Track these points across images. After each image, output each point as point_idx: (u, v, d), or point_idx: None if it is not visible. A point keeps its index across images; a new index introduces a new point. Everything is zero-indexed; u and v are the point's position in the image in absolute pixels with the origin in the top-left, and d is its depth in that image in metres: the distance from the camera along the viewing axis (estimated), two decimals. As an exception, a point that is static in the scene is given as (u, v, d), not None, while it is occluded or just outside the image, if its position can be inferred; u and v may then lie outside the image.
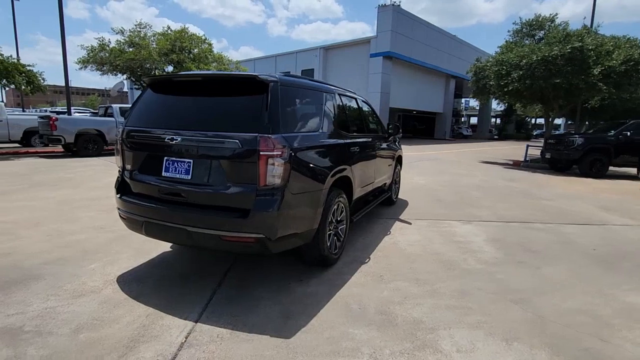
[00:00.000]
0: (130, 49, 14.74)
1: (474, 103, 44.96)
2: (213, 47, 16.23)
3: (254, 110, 2.49)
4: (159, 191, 2.67)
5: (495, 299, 2.79)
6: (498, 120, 50.91)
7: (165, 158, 2.67)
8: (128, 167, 2.89)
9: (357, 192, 3.91)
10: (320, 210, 2.92)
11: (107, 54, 14.72)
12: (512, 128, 44.84)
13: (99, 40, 14.95)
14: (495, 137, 43.49)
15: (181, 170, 2.62)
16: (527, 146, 13.97)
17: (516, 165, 13.25)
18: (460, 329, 2.37)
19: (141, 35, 15.39)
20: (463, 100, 48.70)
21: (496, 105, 34.36)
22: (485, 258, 3.68)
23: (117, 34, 15.17)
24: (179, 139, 2.55)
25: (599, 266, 3.55)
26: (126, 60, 14.23)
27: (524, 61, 11.35)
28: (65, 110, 15.10)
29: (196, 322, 2.35)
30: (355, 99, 4.32)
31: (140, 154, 2.80)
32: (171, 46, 14.59)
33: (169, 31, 15.34)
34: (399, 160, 6.03)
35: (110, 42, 15.01)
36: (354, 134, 3.87)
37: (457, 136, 39.89)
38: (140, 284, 2.86)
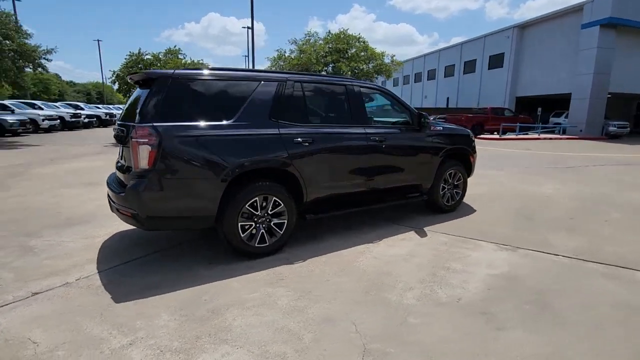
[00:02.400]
0: (301, 56, 17.33)
1: None
2: (368, 44, 16.80)
3: (143, 102, 2.89)
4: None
5: None
6: None
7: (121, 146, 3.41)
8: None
9: (321, 190, 3.61)
10: (217, 198, 3.00)
11: (282, 62, 17.86)
12: None
13: (279, 52, 18.35)
14: None
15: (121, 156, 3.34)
16: None
17: None
18: None
19: (310, 42, 17.73)
20: None
21: None
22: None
23: (291, 44, 18.16)
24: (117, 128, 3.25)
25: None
26: (292, 66, 16.84)
27: None
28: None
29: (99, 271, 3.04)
30: (344, 85, 3.88)
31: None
32: (328, 49, 16.11)
33: (329, 35, 17.00)
34: (458, 160, 4.85)
35: (284, 51, 18.17)
36: (313, 124, 3.58)
37: None
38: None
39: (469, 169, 5.09)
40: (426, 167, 4.47)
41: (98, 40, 73.49)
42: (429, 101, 39.49)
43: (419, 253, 3.49)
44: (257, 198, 3.22)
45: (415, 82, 43.44)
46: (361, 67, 16.92)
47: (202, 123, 2.97)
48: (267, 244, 3.35)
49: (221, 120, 3.07)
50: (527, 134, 20.23)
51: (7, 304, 2.51)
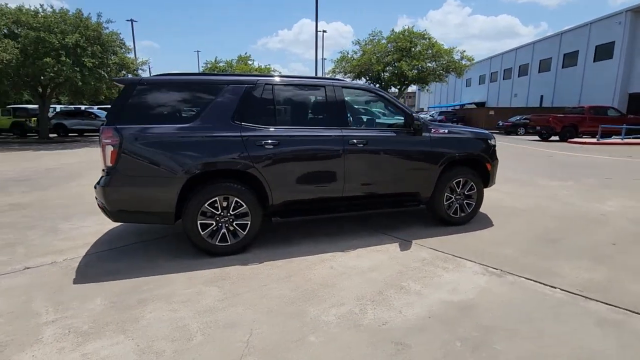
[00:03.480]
0: (360, 57, 17.13)
1: None
2: (434, 41, 15.73)
3: (112, 105, 3.22)
4: None
5: None
6: None
7: None
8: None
9: (289, 194, 3.56)
10: (174, 197, 3.18)
11: (345, 64, 17.87)
12: None
13: (342, 53, 18.38)
14: None
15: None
16: None
17: None
18: None
19: (374, 41, 17.39)
20: None
21: None
22: None
23: (355, 44, 18.02)
24: None
25: None
26: (353, 67, 16.73)
27: None
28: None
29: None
30: (323, 86, 3.73)
31: None
32: (389, 49, 15.55)
33: (392, 34, 16.39)
34: (470, 168, 4.29)
35: (347, 53, 18.11)
36: (282, 126, 3.54)
37: None
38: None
39: (485, 178, 4.46)
40: (422, 174, 4.05)
41: (198, 52, 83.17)
42: (519, 100, 35.34)
43: (383, 267, 3.19)
44: (217, 198, 3.32)
45: (503, 79, 39.31)
46: (426, 66, 15.98)
47: (163, 126, 3.18)
48: (229, 243, 3.42)
49: (182, 123, 3.25)
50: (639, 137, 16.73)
51: (1, 274, 3.06)
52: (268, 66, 17.81)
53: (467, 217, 4.39)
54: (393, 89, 19.23)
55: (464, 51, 17.06)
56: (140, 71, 18.58)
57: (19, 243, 3.80)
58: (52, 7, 15.60)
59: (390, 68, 15.99)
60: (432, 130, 4.09)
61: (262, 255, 3.47)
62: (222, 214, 3.37)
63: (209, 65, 17.41)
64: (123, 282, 2.91)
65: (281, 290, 2.79)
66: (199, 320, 2.37)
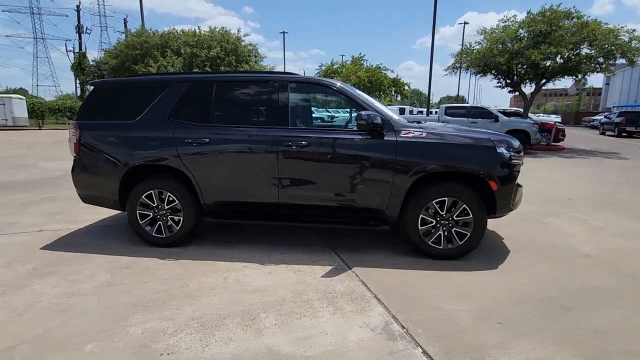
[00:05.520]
0: (479, 48, 14.60)
1: None
2: (587, 21, 11.84)
3: (82, 104, 3.76)
4: None
5: None
6: None
7: None
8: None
9: (219, 194, 3.45)
10: (116, 187, 3.51)
11: (465, 56, 15.60)
12: None
13: (465, 46, 16.03)
14: None
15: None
16: None
17: None
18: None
19: (504, 28, 14.57)
20: None
21: None
22: None
23: (480, 34, 15.47)
24: None
25: None
26: (471, 61, 14.41)
27: None
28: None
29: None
30: (268, 82, 3.39)
31: None
32: (518, 35, 12.62)
33: (529, 16, 13.23)
34: (464, 185, 3.18)
35: (470, 44, 15.66)
36: (215, 125, 3.42)
37: None
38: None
39: (491, 202, 3.20)
40: (382, 187, 3.22)
41: (342, 56, 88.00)
42: None
43: (276, 290, 2.72)
44: (152, 192, 3.50)
45: None
46: (567, 52, 12.42)
47: (111, 122, 3.55)
48: (164, 235, 3.56)
49: (128, 120, 3.54)
50: None
51: (16, 232, 4.03)
52: (380, 65, 17.24)
53: (456, 251, 3.26)
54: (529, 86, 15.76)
55: (634, 30, 12.32)
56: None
57: (61, 212, 4.90)
58: (215, 27, 19.17)
59: (522, 59, 12.97)
60: (402, 133, 3.20)
61: (189, 252, 3.47)
62: (158, 207, 3.53)
63: (323, 68, 18.26)
64: (58, 254, 3.39)
65: (150, 290, 2.73)
66: (52, 301, 2.56)
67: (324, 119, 3.77)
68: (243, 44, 19.21)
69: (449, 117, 13.09)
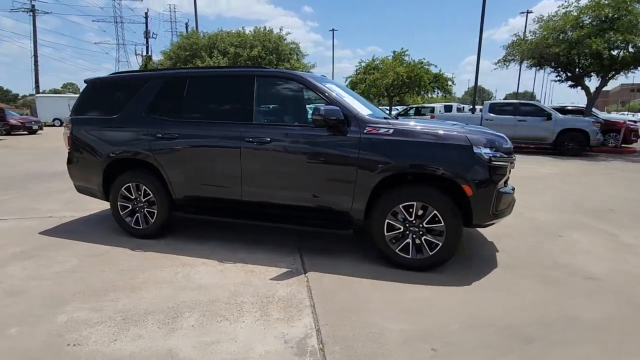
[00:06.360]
0: (532, 39, 13.09)
1: None
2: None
3: (76, 100, 4.00)
4: None
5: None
6: None
7: None
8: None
9: (187, 189, 3.48)
10: (99, 179, 3.69)
11: (516, 48, 14.15)
12: None
13: (517, 36, 14.54)
14: None
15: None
16: None
17: None
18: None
19: (563, 15, 12.95)
20: None
21: None
22: None
23: (536, 22, 13.89)
24: None
25: None
26: (522, 52, 12.98)
27: None
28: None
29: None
30: (237, 77, 3.32)
31: None
32: (580, 22, 11.04)
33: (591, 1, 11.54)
34: (436, 189, 2.84)
35: (524, 34, 14.12)
36: (185, 120, 3.45)
37: None
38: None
39: (467, 209, 2.81)
40: (344, 187, 2.98)
41: (394, 51, 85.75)
42: None
43: (216, 290, 2.65)
44: (130, 184, 3.63)
45: None
46: (633, 39, 10.66)
47: (97, 117, 3.74)
48: (141, 227, 3.69)
49: (110, 115, 3.70)
50: None
51: (29, 217, 4.44)
52: (422, 60, 16.28)
53: (426, 262, 2.92)
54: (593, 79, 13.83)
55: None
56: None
57: (76, 201, 5.32)
58: (258, 27, 19.84)
59: (582, 48, 11.34)
60: (368, 129, 2.93)
61: (160, 245, 3.53)
62: (136, 199, 3.66)
63: (362, 65, 17.80)
64: (49, 239, 3.66)
65: (101, 280, 2.82)
66: (13, 283, 2.75)
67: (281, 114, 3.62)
68: (285, 42, 19.52)
69: (493, 115, 12.04)
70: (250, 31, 19.81)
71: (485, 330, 2.17)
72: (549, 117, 11.25)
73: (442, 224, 2.83)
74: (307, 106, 3.39)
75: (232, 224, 4.13)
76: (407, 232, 2.94)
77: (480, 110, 13.40)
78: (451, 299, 2.53)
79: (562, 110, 13.32)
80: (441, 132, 2.89)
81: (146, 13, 39.11)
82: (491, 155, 2.75)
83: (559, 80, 14.51)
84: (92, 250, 3.39)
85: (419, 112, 17.02)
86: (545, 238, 3.82)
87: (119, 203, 3.70)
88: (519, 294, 2.63)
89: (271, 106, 3.35)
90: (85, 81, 3.98)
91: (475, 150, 2.74)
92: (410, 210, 2.89)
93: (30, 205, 4.97)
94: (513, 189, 3.24)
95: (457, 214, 2.82)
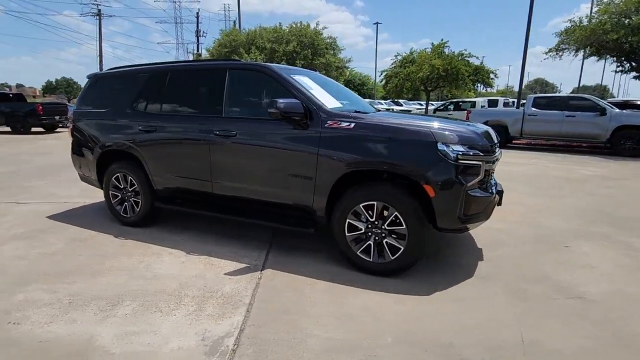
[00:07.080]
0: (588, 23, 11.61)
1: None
2: None
3: (80, 93, 4.26)
4: None
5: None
6: None
7: None
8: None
9: (165, 181, 3.57)
10: (94, 168, 3.93)
11: (569, 35, 12.70)
12: None
13: (572, 22, 13.02)
14: None
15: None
16: None
17: None
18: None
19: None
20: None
21: None
22: None
23: (596, 6, 12.33)
24: None
25: None
26: (576, 39, 11.58)
27: None
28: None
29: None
30: (210, 70, 3.32)
31: None
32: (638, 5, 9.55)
33: None
34: (397, 188, 2.63)
35: (578, 20, 12.58)
36: (164, 113, 3.55)
37: None
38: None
39: (429, 210, 2.56)
40: (305, 184, 2.86)
41: (432, 43, 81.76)
42: None
43: (167, 280, 2.69)
44: (118, 174, 3.82)
45: None
46: None
47: (93, 110, 3.97)
48: (128, 215, 3.87)
49: (104, 109, 3.90)
50: None
51: (45, 202, 4.86)
52: (462, 51, 15.21)
53: (387, 266, 2.72)
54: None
55: None
56: (345, 68, 20.83)
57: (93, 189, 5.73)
58: (301, 22, 19.87)
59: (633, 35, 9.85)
60: (329, 123, 2.77)
61: (144, 233, 3.67)
62: (124, 188, 3.84)
63: (399, 58, 17.10)
64: (52, 223, 3.96)
65: (72, 263, 2.99)
66: (3, 258, 3.03)
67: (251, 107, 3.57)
68: (321, 37, 19.41)
69: (536, 110, 10.99)
70: (287, 27, 19.98)
71: (418, 347, 1.96)
72: (602, 112, 10.01)
73: (404, 226, 2.61)
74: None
75: (219, 217, 4.18)
76: (369, 234, 2.76)
77: (523, 104, 12.29)
78: (397, 309, 2.33)
79: (625, 104, 11.79)
80: (405, 127, 2.65)
81: (197, 14, 41.17)
82: (458, 153, 2.47)
83: (621, 71, 12.85)
84: (81, 235, 3.62)
85: (458, 107, 16.08)
86: (547, 248, 3.39)
87: (110, 192, 3.91)
88: (480, 309, 2.34)
89: (242, 99, 3.31)
90: (87, 76, 4.25)
91: (440, 147, 2.48)
92: (371, 211, 2.70)
93: (54, 191, 5.43)
94: (498, 192, 2.91)
95: (420, 216, 2.58)
